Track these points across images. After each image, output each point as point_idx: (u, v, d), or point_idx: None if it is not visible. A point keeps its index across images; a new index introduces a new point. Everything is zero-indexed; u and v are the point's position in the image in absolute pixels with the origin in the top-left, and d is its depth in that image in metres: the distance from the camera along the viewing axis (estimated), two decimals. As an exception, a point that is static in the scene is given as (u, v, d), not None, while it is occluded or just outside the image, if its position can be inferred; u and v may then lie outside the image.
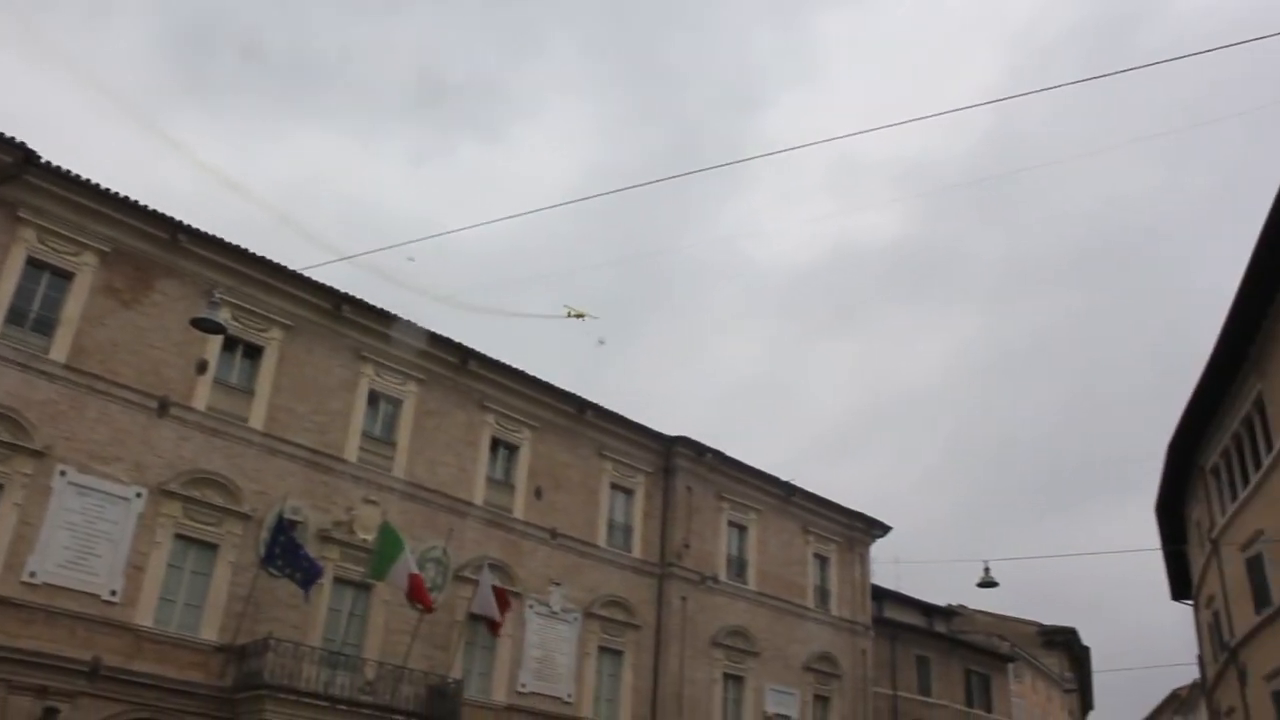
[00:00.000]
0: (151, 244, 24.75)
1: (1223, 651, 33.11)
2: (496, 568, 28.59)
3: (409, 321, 28.46)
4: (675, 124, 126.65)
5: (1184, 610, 40.99)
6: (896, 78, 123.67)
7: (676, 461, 34.97)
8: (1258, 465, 29.13)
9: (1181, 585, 40.89)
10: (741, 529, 36.65)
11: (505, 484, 30.65)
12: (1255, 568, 29.40)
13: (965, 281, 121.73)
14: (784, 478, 38.14)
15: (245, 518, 24.65)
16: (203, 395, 24.92)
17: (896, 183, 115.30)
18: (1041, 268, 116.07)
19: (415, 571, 25.42)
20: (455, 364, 29.85)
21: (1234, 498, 31.37)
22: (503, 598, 27.54)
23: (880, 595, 45.29)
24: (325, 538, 25.97)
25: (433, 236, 33.33)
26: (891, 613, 46.45)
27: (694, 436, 35.14)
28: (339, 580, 26.13)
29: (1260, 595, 29.14)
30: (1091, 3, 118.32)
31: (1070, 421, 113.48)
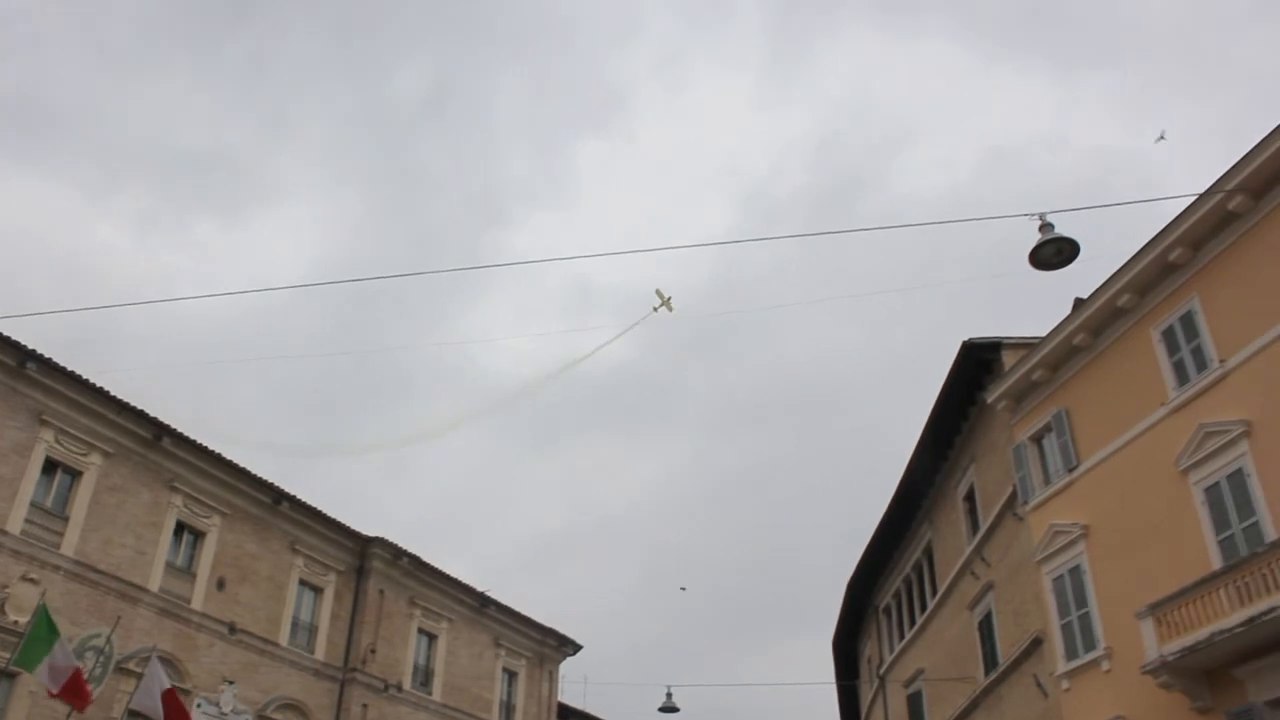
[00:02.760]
0: None
1: (880, 783, 34.88)
2: (166, 661, 26.61)
3: (100, 388, 26.75)
4: (423, 226, 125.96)
5: (851, 742, 43.00)
6: (639, 212, 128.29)
7: (371, 563, 34.00)
8: (923, 608, 31.32)
9: (852, 718, 43.00)
10: (431, 637, 35.84)
11: (186, 572, 28.84)
12: (915, 704, 31.35)
13: (679, 413, 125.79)
14: (480, 588, 37.78)
15: (-123, 586, 22.02)
16: None
17: (625, 310, 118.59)
18: (752, 408, 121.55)
19: (76, 664, 23.28)
20: (147, 439, 28.11)
21: (901, 637, 33.52)
22: (175, 702, 25.33)
23: (567, 714, 45.06)
24: (-30, 616, 23.53)
25: (148, 303, 31.64)
26: (575, 732, 46.23)
27: (393, 539, 34.37)
28: (-20, 664, 23.63)
29: (917, 730, 31.06)
30: (820, 169, 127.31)
31: (765, 555, 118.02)
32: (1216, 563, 18.72)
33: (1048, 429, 24.52)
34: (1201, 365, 20.57)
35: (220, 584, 29.44)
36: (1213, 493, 19.55)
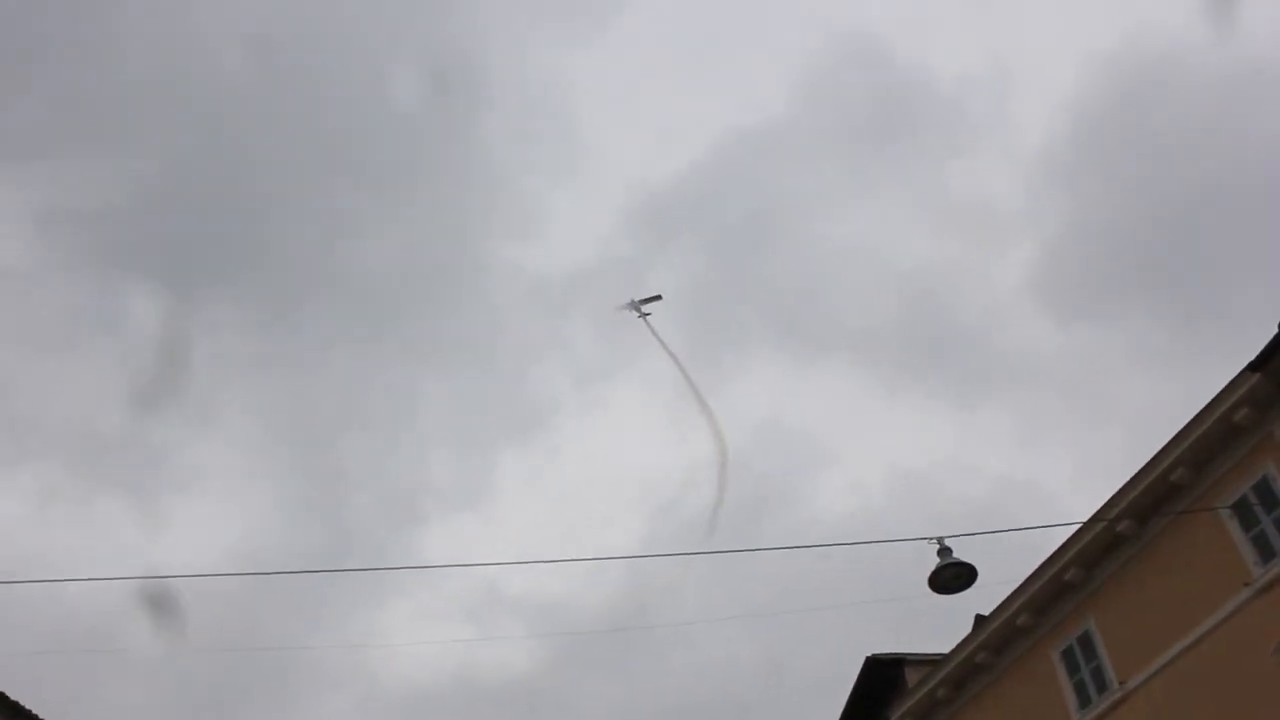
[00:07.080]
0: None
1: None
2: None
3: None
4: (336, 522, 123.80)
5: None
6: (553, 522, 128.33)
7: None
8: None
9: None
10: None
11: None
12: None
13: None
14: None
15: None
16: None
17: (534, 619, 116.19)
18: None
19: None
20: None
21: None
22: None
23: None
24: None
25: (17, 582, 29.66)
26: None
27: None
28: None
29: None
30: (731, 488, 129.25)
31: None
32: None
33: (954, 749, 24.24)
34: (1102, 687, 20.73)
35: None
36: (1124, 821, 19.33)
